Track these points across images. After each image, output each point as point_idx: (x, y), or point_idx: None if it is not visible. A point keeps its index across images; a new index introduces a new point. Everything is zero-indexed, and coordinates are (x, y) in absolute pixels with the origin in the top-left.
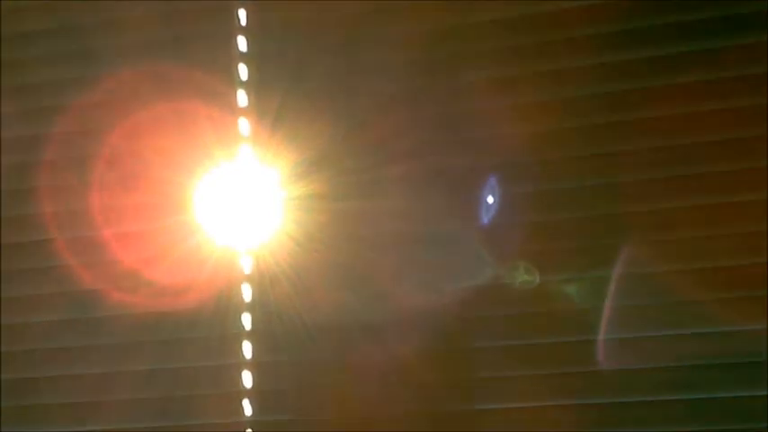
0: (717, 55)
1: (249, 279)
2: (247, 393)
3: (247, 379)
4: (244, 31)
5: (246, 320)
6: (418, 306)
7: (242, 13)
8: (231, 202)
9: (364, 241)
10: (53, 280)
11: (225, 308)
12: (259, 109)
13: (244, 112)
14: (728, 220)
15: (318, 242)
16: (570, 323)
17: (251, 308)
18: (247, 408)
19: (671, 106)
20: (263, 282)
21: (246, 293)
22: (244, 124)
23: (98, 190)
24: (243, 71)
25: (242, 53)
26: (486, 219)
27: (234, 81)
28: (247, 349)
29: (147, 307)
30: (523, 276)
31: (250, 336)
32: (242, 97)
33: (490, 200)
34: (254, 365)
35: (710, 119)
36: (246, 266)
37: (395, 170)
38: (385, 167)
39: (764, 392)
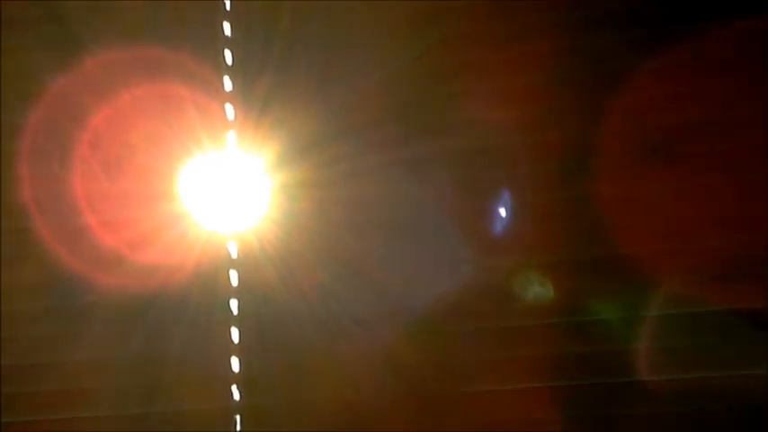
0: (699, 36)
1: (236, 265)
2: (235, 378)
3: (235, 364)
4: (229, 16)
5: (234, 306)
6: (403, 291)
7: None
8: (217, 188)
9: (350, 227)
10: (40, 267)
11: (212, 293)
12: (245, 94)
13: (229, 97)
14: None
15: (304, 228)
16: (555, 307)
17: (238, 293)
18: (235, 392)
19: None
20: (250, 267)
21: (234, 279)
22: (229, 109)
23: (84, 176)
24: (229, 57)
25: (228, 38)
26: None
27: (220, 66)
28: (235, 334)
29: (135, 293)
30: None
31: (237, 321)
32: (228, 83)
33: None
34: (242, 350)
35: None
36: (233, 252)
37: (380, 157)
38: (370, 155)
39: (765, 371)
